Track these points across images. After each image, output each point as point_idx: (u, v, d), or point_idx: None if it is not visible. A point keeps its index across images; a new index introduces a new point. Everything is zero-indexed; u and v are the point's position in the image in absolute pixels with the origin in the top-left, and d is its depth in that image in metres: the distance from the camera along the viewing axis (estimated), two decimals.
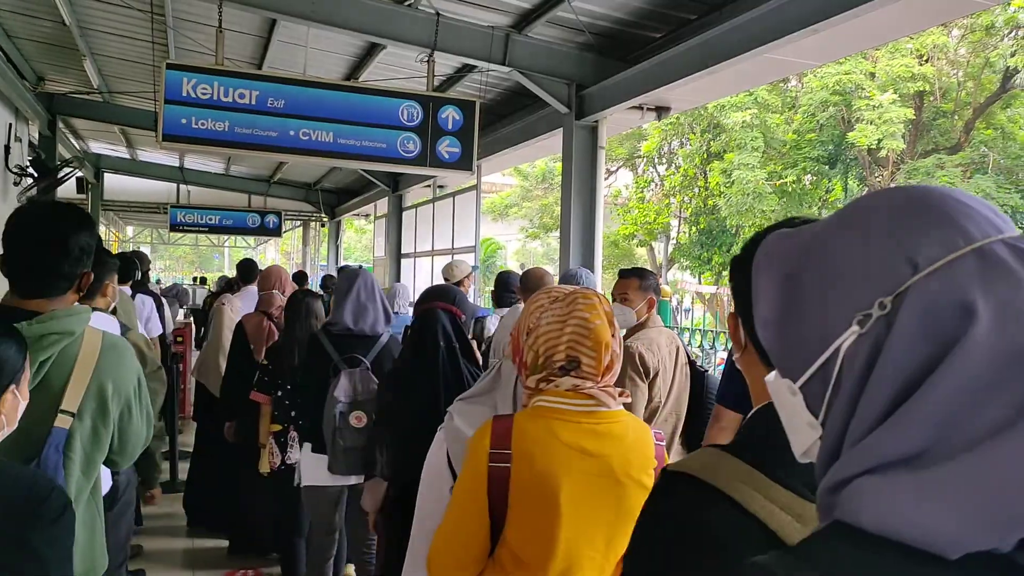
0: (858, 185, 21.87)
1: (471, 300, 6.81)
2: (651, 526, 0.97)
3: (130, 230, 35.68)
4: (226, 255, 44.46)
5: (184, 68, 5.57)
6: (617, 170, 29.62)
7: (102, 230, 29.34)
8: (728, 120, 18.60)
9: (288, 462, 4.12)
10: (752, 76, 5.86)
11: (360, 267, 4.41)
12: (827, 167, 22.02)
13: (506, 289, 5.08)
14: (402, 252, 12.14)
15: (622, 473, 1.74)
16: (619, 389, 1.84)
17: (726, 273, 15.31)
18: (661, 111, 6.55)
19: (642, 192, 26.90)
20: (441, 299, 2.99)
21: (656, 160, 26.52)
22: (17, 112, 9.41)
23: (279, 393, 4.16)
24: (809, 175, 22.10)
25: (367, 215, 16.62)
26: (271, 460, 4.18)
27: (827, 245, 0.70)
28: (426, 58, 6.15)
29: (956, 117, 19.34)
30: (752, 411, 1.09)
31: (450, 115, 6.10)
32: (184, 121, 5.47)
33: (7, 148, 9.14)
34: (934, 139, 19.55)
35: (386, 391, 3.09)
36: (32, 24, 8.10)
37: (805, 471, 0.77)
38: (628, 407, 1.92)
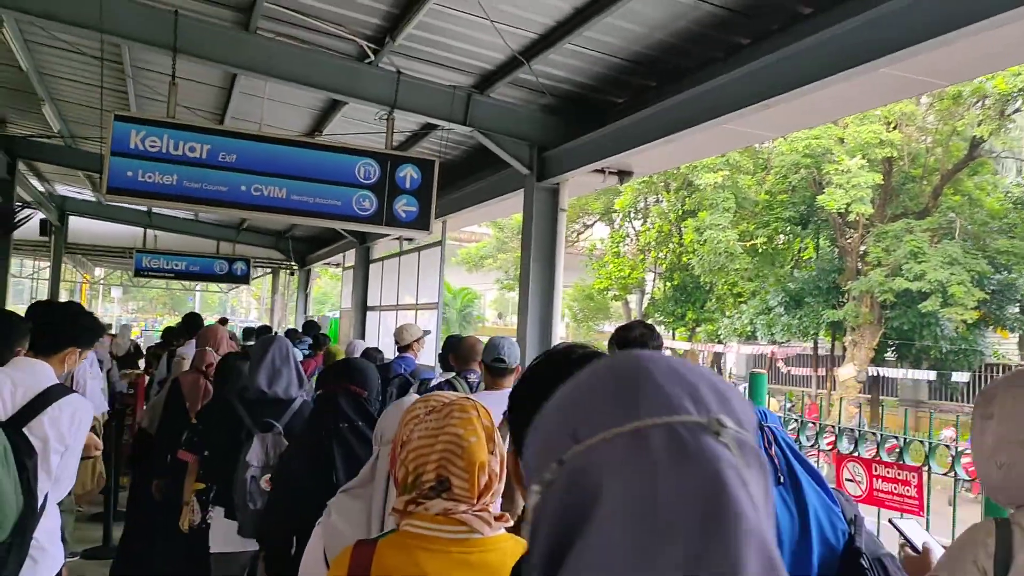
0: (829, 246, 22.06)
1: (424, 361, 6.65)
2: None
3: (99, 271, 35.23)
4: (198, 298, 43.97)
5: (133, 120, 5.44)
6: (593, 224, 29.79)
7: (69, 272, 28.94)
8: (700, 181, 18.74)
9: (208, 521, 3.99)
10: (711, 145, 5.83)
11: (276, 333, 4.31)
12: (799, 227, 22.23)
13: (445, 355, 4.99)
14: (368, 305, 11.96)
15: None
16: (499, 513, 1.67)
17: (700, 329, 15.22)
18: (623, 175, 6.49)
19: (617, 247, 27.00)
20: (342, 379, 2.91)
21: (632, 215, 26.68)
22: None
23: (207, 453, 4.04)
24: (781, 235, 22.30)
25: (337, 264, 16.46)
26: (191, 518, 4.06)
27: (544, 409, 0.72)
28: (385, 116, 6.07)
29: (925, 182, 19.62)
30: None
31: (408, 174, 5.99)
32: (130, 174, 5.32)
33: None
34: (903, 203, 19.80)
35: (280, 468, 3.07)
36: None
37: None
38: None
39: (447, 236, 9.33)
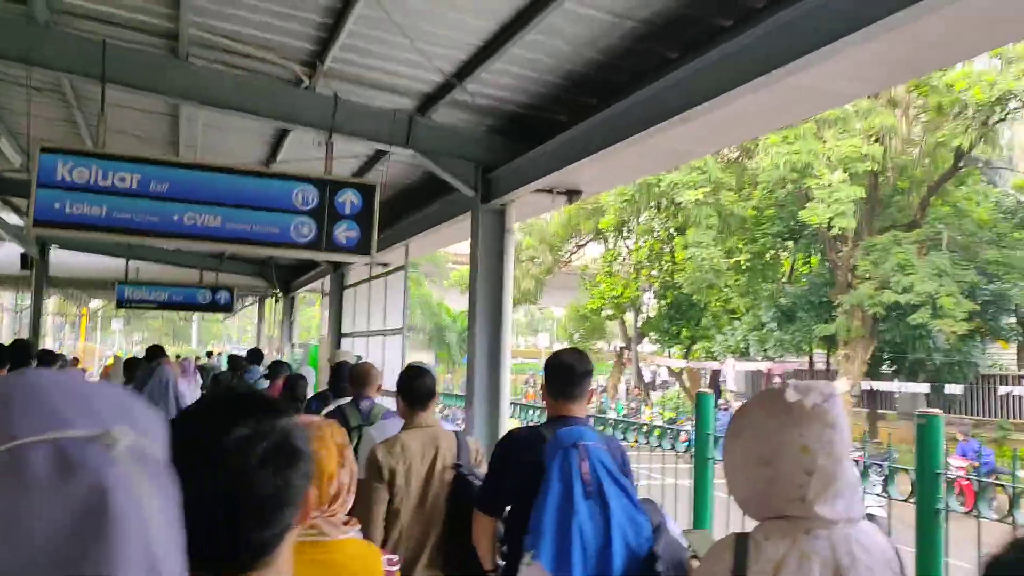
0: (820, 260, 21.91)
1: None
2: None
3: (95, 303, 35.24)
4: (194, 328, 43.98)
5: (60, 151, 5.35)
6: (586, 244, 29.69)
7: (55, 303, 28.84)
8: (681, 198, 18.66)
9: None
10: (648, 162, 5.72)
11: (160, 362, 4.24)
12: (790, 242, 22.11)
13: (340, 380, 5.14)
14: (342, 331, 11.85)
15: None
16: (348, 518, 1.92)
17: (696, 347, 15.12)
18: (572, 194, 6.38)
19: (610, 266, 26.88)
20: None
21: (625, 234, 26.57)
22: None
23: None
24: (771, 250, 22.16)
25: (320, 292, 16.37)
26: None
27: None
28: (323, 141, 5.98)
29: (912, 195, 19.49)
30: None
31: (348, 199, 5.89)
32: (57, 206, 5.22)
33: None
34: (891, 216, 19.66)
35: None
36: None
37: None
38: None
39: (410, 260, 9.23)
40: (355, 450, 4.02)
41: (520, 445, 2.93)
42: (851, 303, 18.63)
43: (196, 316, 36.11)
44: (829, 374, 23.22)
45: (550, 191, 6.28)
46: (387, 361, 9.03)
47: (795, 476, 1.66)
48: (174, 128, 7.82)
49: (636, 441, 6.15)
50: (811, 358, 24.26)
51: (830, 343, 21.39)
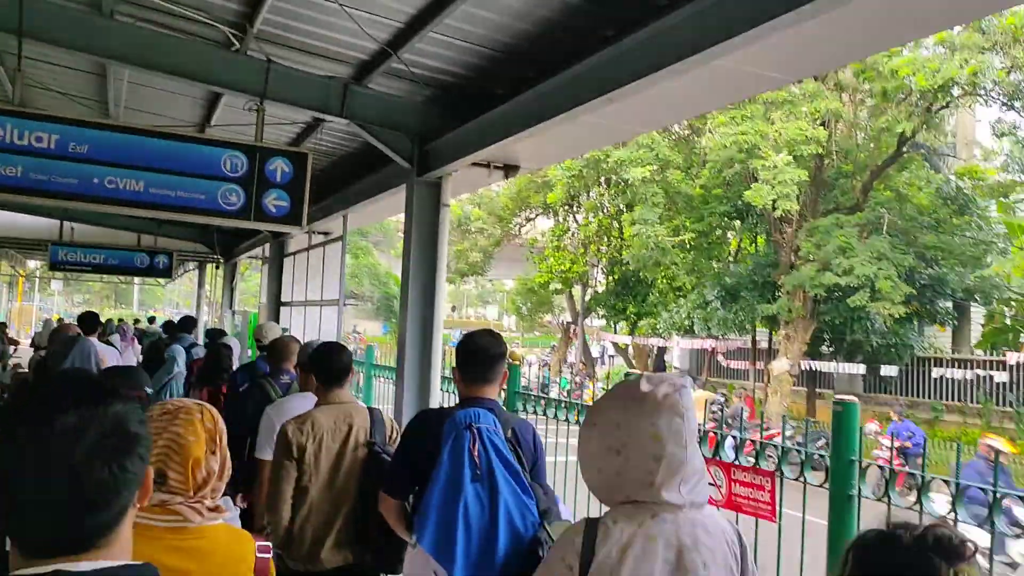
0: (763, 241, 22.18)
1: None
2: None
3: (32, 264, 34.25)
4: (135, 291, 43.06)
5: None
6: (536, 217, 29.67)
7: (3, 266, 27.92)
8: (628, 175, 18.68)
9: None
10: (584, 138, 5.68)
11: (78, 335, 4.12)
12: (737, 222, 22.32)
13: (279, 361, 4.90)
14: (281, 300, 11.67)
15: None
16: (215, 503, 1.89)
17: (642, 323, 15.22)
18: (509, 169, 6.33)
19: (559, 240, 26.90)
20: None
21: (574, 209, 26.60)
22: None
23: None
24: (718, 230, 22.35)
25: (261, 259, 16.11)
26: None
27: None
28: (255, 107, 5.82)
29: (856, 179, 19.78)
30: None
31: (279, 167, 5.76)
32: None
33: None
34: (835, 199, 19.94)
35: None
36: None
37: None
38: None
39: (349, 230, 9.09)
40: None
41: (427, 426, 2.89)
42: (793, 284, 18.92)
43: (138, 279, 35.28)
44: (771, 353, 23.64)
45: (487, 165, 6.22)
46: (323, 333, 8.92)
47: (645, 462, 1.75)
48: (102, 87, 7.55)
49: (579, 419, 6.14)
50: (754, 337, 24.61)
51: (772, 323, 21.70)
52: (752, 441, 4.33)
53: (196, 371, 7.11)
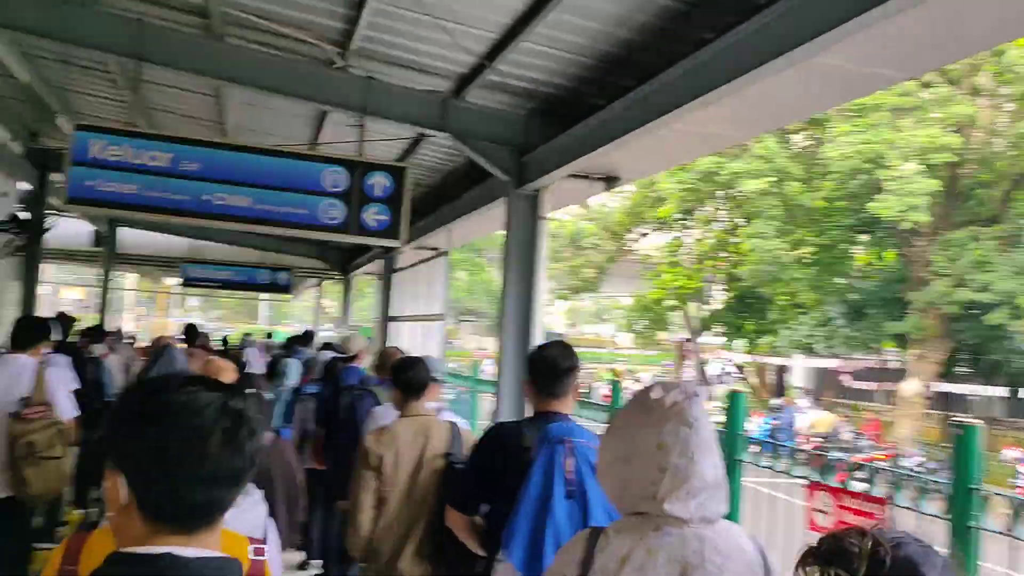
0: (892, 256, 21.07)
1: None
2: None
3: (170, 281, 36.21)
4: (263, 307, 45.01)
5: (94, 129, 5.42)
6: (650, 233, 29.21)
7: (132, 280, 29.57)
8: (744, 188, 18.09)
9: None
10: (685, 146, 5.47)
11: (167, 345, 4.28)
12: (863, 235, 21.28)
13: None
14: (390, 315, 11.86)
15: None
16: None
17: (761, 341, 14.74)
18: (609, 181, 6.19)
19: (673, 256, 26.36)
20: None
21: (688, 224, 26.01)
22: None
23: None
24: (842, 244, 21.37)
25: (376, 275, 16.47)
26: None
27: None
28: (356, 122, 5.91)
29: (995, 188, 18.52)
30: None
31: (378, 181, 5.82)
32: (90, 183, 5.29)
33: None
34: (971, 209, 18.73)
35: None
36: (4, 82, 8.15)
37: None
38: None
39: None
40: None
41: (498, 441, 2.81)
42: (925, 301, 17.87)
43: (265, 296, 36.88)
44: (900, 374, 22.39)
45: (586, 177, 6.09)
46: (427, 347, 8.98)
47: (649, 473, 1.67)
48: (219, 109, 7.87)
49: None
50: (882, 356, 23.40)
51: (901, 342, 20.57)
52: (860, 465, 4.03)
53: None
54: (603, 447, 1.81)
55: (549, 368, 2.83)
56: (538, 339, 6.14)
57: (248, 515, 2.62)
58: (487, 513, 2.88)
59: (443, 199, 8.70)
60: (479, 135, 6.13)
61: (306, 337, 10.30)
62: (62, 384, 5.16)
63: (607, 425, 1.84)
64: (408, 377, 3.56)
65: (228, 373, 3.92)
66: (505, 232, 6.34)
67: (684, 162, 13.98)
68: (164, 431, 1.17)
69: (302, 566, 6.62)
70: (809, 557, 1.15)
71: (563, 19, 4.59)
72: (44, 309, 19.50)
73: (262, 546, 1.73)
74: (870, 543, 1.11)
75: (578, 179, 6.05)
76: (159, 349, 3.95)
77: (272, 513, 3.55)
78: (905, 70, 3.62)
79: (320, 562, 6.31)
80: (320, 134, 7.77)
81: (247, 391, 3.65)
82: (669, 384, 1.77)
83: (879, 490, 4.00)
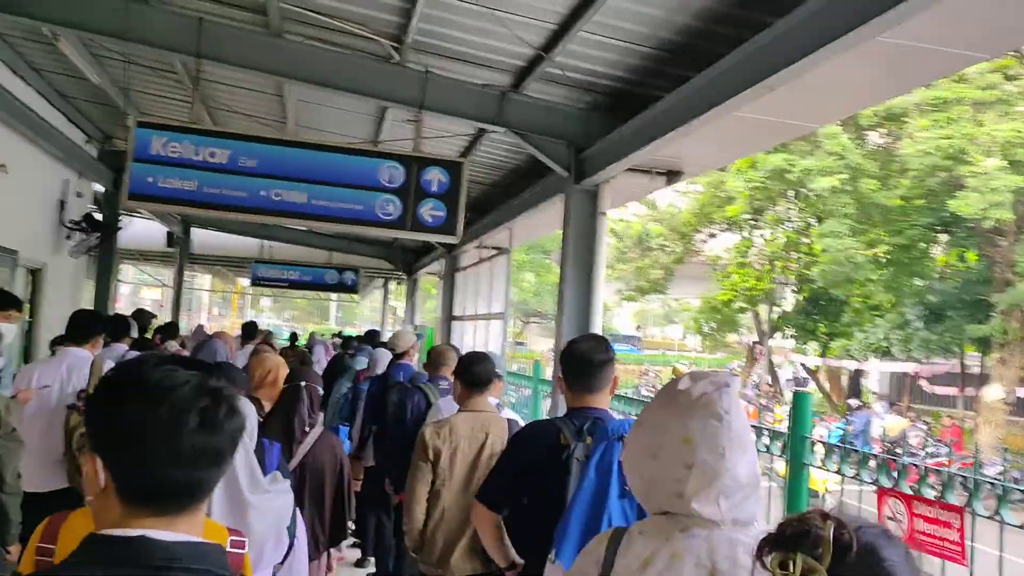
0: (974, 256, 20.21)
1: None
2: None
3: (244, 282, 37.08)
4: (333, 307, 45.73)
5: (155, 126, 5.50)
6: (718, 234, 28.66)
7: (207, 281, 30.23)
8: (815, 186, 17.54)
9: None
10: (749, 136, 5.26)
11: (209, 337, 4.29)
12: (942, 235, 20.47)
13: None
14: (452, 314, 11.85)
15: None
16: None
17: (834, 344, 14.29)
18: (671, 176, 6.03)
19: (743, 256, 25.77)
20: None
21: (758, 223, 25.40)
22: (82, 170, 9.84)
23: None
24: (921, 243, 20.59)
25: (439, 274, 16.52)
26: None
27: None
28: (413, 118, 5.88)
29: None
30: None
31: (435, 177, 5.78)
32: (150, 180, 5.37)
33: (62, 203, 9.48)
34: None
35: None
36: (80, 85, 8.39)
37: None
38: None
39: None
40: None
41: (532, 438, 2.72)
42: (1009, 303, 17.07)
43: (336, 296, 37.47)
44: (982, 379, 21.46)
45: (647, 171, 5.94)
46: (488, 346, 8.92)
47: (675, 469, 1.56)
48: (280, 106, 7.94)
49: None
50: (962, 361, 22.46)
51: (983, 346, 19.71)
52: (935, 470, 3.79)
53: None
54: (630, 441, 1.71)
55: (583, 362, 2.73)
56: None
57: (277, 500, 2.58)
58: (509, 513, 2.82)
59: (503, 197, 8.63)
60: (537, 129, 6.03)
61: (370, 336, 10.37)
62: None
63: (638, 418, 1.73)
64: (473, 371, 3.56)
65: (279, 367, 3.91)
66: (563, 228, 6.22)
67: (748, 154, 13.58)
68: (139, 408, 1.13)
69: (359, 563, 6.62)
70: (767, 545, 1.06)
71: (621, 6, 4.46)
72: (124, 308, 20.16)
73: (241, 539, 1.69)
74: (833, 527, 1.03)
75: (638, 173, 5.91)
76: (201, 341, 3.99)
77: (320, 508, 3.53)
78: (987, 48, 3.39)
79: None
80: (380, 132, 7.77)
81: (301, 384, 3.61)
82: (698, 374, 1.64)
83: (955, 498, 3.74)
